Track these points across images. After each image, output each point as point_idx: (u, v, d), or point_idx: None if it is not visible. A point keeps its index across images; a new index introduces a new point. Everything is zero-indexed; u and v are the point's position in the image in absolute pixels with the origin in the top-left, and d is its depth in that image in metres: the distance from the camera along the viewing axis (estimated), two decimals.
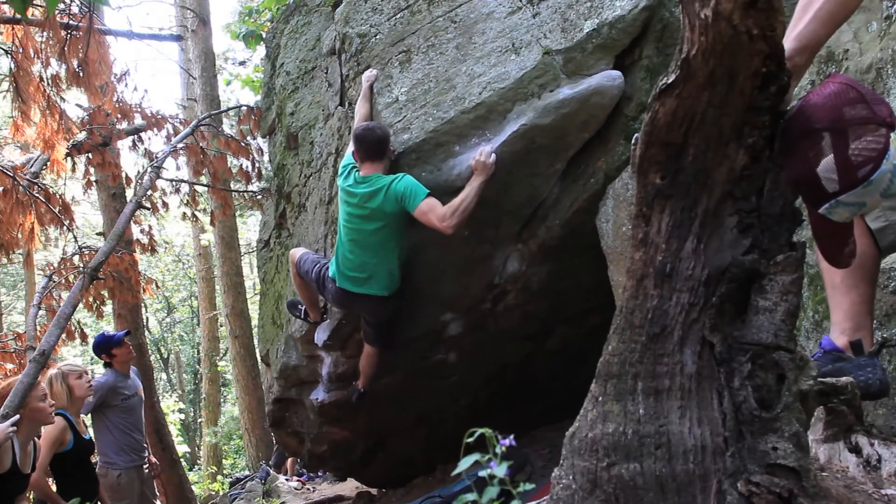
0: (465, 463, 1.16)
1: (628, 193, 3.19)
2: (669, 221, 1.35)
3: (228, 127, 10.04)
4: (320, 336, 4.27)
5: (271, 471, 8.04)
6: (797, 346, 1.34)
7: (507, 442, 1.19)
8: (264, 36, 7.83)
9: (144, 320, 11.89)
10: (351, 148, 3.58)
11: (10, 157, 7.31)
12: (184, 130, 6.58)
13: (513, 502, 1.18)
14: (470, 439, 1.17)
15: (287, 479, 7.80)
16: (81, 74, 5.51)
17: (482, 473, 1.17)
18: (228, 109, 9.54)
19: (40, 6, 5.44)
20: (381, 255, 3.51)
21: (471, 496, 1.20)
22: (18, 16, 4.74)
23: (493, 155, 3.25)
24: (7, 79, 5.54)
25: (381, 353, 4.02)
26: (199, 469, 14.46)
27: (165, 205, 6.94)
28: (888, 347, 1.86)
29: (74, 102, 7.48)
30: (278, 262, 5.25)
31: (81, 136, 6.52)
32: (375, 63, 3.71)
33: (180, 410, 17.45)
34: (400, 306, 3.76)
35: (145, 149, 7.19)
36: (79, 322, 6.38)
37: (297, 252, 4.09)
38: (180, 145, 6.47)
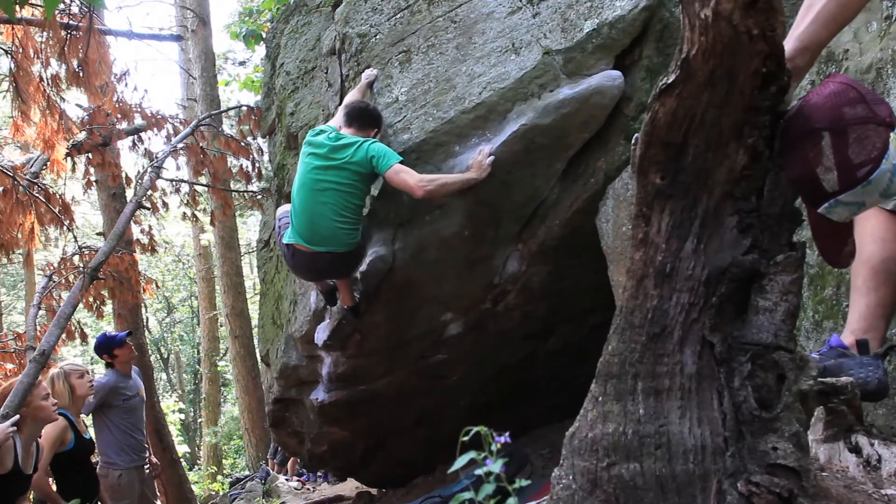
0: (461, 461, 1.17)
1: (628, 193, 3.19)
2: (669, 221, 1.35)
3: (228, 127, 10.05)
4: (320, 336, 4.27)
5: (271, 471, 8.05)
6: (797, 346, 1.34)
7: (502, 439, 1.19)
8: (264, 36, 7.83)
9: (144, 320, 11.89)
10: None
11: (10, 157, 7.31)
12: (184, 130, 6.58)
13: (509, 499, 1.18)
14: (466, 437, 1.18)
15: (287, 479, 7.80)
16: (81, 74, 5.51)
17: (479, 472, 1.17)
18: (228, 109, 9.55)
19: (39, 6, 5.45)
20: (337, 210, 3.35)
21: (468, 494, 1.20)
22: (17, 15, 4.75)
23: (492, 157, 3.25)
24: (7, 79, 5.54)
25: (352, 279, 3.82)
26: (199, 469, 14.46)
27: (165, 205, 6.96)
28: (893, 352, 1.86)
29: (74, 102, 7.49)
30: (278, 262, 5.25)
31: (81, 136, 6.53)
32: (375, 63, 3.71)
33: (180, 410, 17.46)
34: (360, 252, 3.59)
35: (145, 149, 7.20)
36: (79, 322, 6.39)
37: (278, 211, 3.97)
38: (180, 145, 6.48)
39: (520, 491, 1.19)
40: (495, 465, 1.15)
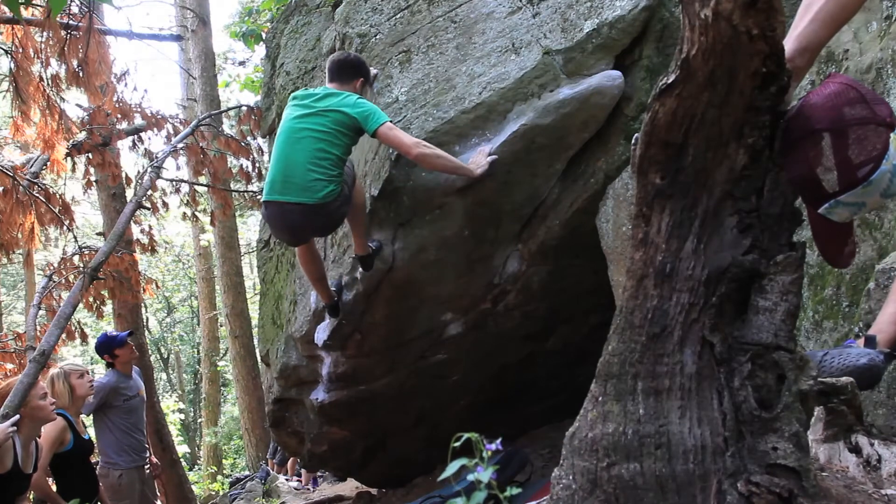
0: (451, 468, 1.16)
1: (628, 193, 3.19)
2: (669, 221, 1.35)
3: (228, 127, 10.06)
4: (320, 336, 4.27)
5: (271, 470, 8.05)
6: (797, 346, 1.34)
7: (493, 446, 1.19)
8: (264, 36, 7.83)
9: (144, 320, 11.89)
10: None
11: (10, 157, 7.31)
12: (184, 130, 6.59)
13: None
14: (457, 444, 1.17)
15: (287, 479, 7.81)
16: (81, 74, 5.51)
17: (470, 478, 1.17)
18: (228, 109, 9.56)
19: (40, 6, 5.45)
20: (312, 157, 3.16)
21: (460, 500, 1.20)
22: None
23: (493, 157, 3.23)
24: (7, 79, 5.54)
25: (354, 197, 3.46)
26: (199, 469, 14.46)
27: (165, 205, 6.96)
28: None
29: (74, 102, 7.49)
30: (278, 262, 5.25)
31: (81, 136, 6.53)
32: (375, 63, 3.71)
33: (180, 410, 17.46)
34: (337, 211, 3.30)
35: (145, 149, 7.21)
36: (79, 322, 6.39)
37: None
38: (180, 145, 6.48)
39: (510, 497, 1.19)
40: (485, 474, 1.15)
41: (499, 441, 1.20)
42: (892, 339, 1.81)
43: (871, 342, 1.80)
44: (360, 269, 3.69)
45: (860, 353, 1.75)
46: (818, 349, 2.05)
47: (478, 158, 3.23)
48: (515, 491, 1.20)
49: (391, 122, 3.18)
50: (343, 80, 3.35)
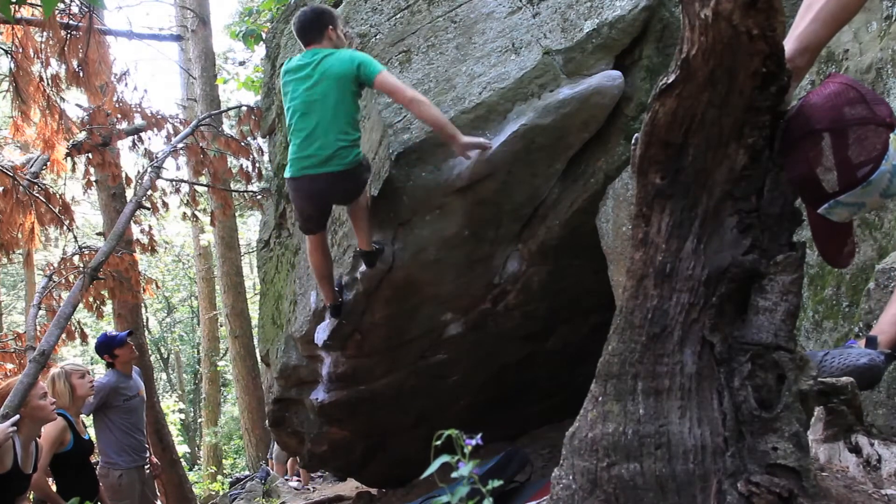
0: (434, 465, 1.18)
1: (628, 193, 3.19)
2: (669, 221, 1.35)
3: (228, 127, 10.06)
4: (320, 336, 4.27)
5: (271, 471, 8.05)
6: (797, 346, 1.34)
7: (473, 441, 1.21)
8: (264, 36, 7.83)
9: (144, 320, 11.89)
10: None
11: (10, 157, 7.31)
12: (184, 130, 6.58)
13: (485, 501, 1.19)
14: (438, 442, 1.19)
15: (287, 479, 7.81)
16: (81, 74, 5.51)
17: (454, 475, 1.18)
18: (228, 109, 9.56)
19: (39, 6, 5.44)
20: (335, 123, 3.24)
21: (444, 497, 1.21)
22: (17, 15, 4.75)
23: (488, 152, 3.23)
24: (7, 79, 5.54)
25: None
26: (199, 469, 14.46)
27: (165, 205, 6.95)
28: None
29: (74, 102, 7.49)
30: (278, 262, 5.25)
31: (81, 136, 6.53)
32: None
33: (180, 410, 17.46)
34: (365, 175, 3.41)
35: (145, 149, 7.20)
36: (79, 322, 6.39)
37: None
38: (180, 145, 6.48)
39: (521, 490, 1.20)
40: (465, 469, 1.17)
41: (479, 437, 1.22)
42: (894, 341, 1.81)
43: (871, 343, 1.80)
44: (361, 268, 3.69)
45: (860, 353, 1.76)
46: (818, 349, 2.05)
47: (475, 140, 3.22)
48: (497, 483, 1.22)
49: (385, 69, 3.26)
50: (317, 39, 3.37)
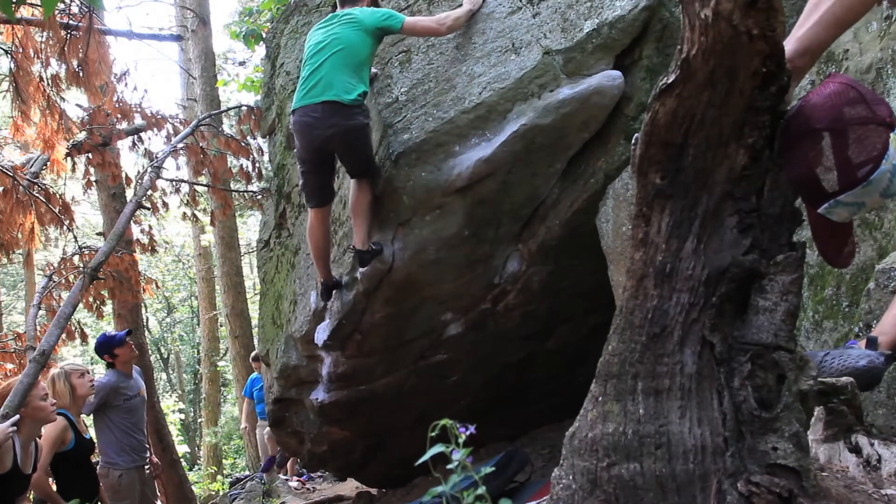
0: (429, 454, 1.20)
1: (628, 193, 3.19)
2: (669, 221, 1.35)
3: (228, 127, 10.06)
4: (320, 336, 4.27)
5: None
6: (797, 346, 1.34)
7: (466, 430, 1.22)
8: (264, 36, 7.84)
9: (144, 320, 11.89)
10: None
11: (10, 157, 7.31)
12: (184, 130, 6.58)
13: (478, 489, 1.20)
14: (434, 433, 1.21)
15: (287, 479, 7.80)
16: (81, 74, 5.51)
17: (450, 467, 1.20)
18: (228, 109, 9.55)
19: (39, 6, 5.45)
20: (341, 59, 3.35)
21: (439, 488, 1.22)
22: (17, 15, 4.75)
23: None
24: (7, 79, 5.54)
25: (371, 184, 3.53)
26: (199, 469, 14.45)
27: (165, 205, 6.95)
28: None
29: (74, 102, 7.49)
30: (278, 262, 5.25)
31: (81, 136, 6.53)
32: (375, 63, 3.71)
33: (180, 410, 17.46)
34: (365, 125, 3.40)
35: (145, 149, 7.20)
36: (79, 322, 6.38)
37: None
38: (180, 145, 6.48)
39: (521, 490, 1.20)
40: (461, 454, 1.18)
41: (472, 427, 1.23)
42: (894, 342, 1.81)
43: (872, 344, 1.80)
44: (361, 269, 3.69)
45: (860, 354, 1.76)
46: (818, 349, 2.05)
47: None
48: (489, 469, 1.23)
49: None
50: (354, 2, 3.58)
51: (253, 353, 8.43)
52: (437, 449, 1.21)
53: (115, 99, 6.53)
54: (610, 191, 3.33)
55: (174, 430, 12.69)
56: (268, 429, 6.80)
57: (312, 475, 8.03)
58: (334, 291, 3.92)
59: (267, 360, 5.46)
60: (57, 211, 5.59)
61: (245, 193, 7.49)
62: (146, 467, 4.80)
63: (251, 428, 8.52)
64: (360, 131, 3.38)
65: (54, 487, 3.94)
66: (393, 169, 3.40)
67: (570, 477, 1.40)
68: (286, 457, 8.01)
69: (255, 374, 8.06)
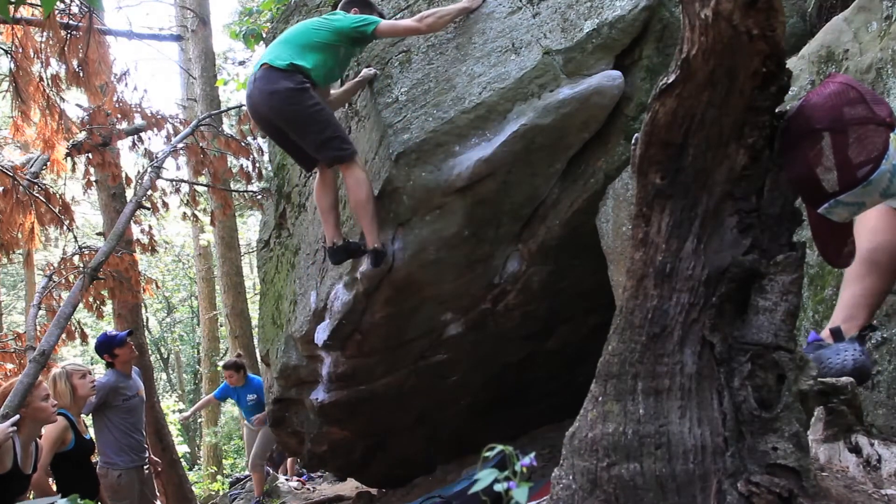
0: (484, 480, 1.12)
1: (628, 193, 3.19)
2: (669, 221, 1.35)
3: (228, 127, 10.06)
4: (320, 336, 4.27)
5: (271, 471, 8.04)
6: (797, 346, 1.34)
7: (528, 462, 1.15)
8: (264, 36, 7.83)
9: (144, 320, 11.88)
10: None
11: (10, 157, 7.31)
12: (184, 130, 6.58)
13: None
14: (489, 453, 1.14)
15: (287, 479, 7.80)
16: (81, 74, 5.51)
17: (497, 487, 1.13)
18: (228, 109, 9.56)
19: (39, 6, 5.45)
20: (283, 38, 3.43)
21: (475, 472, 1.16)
22: (16, 16, 4.75)
23: None
24: (7, 79, 5.54)
25: (357, 169, 3.41)
26: (199, 469, 14.45)
27: (165, 205, 6.95)
28: (869, 333, 1.85)
29: (74, 102, 7.49)
30: (278, 262, 5.25)
31: (81, 136, 6.53)
32: (375, 63, 3.71)
33: (180, 410, 17.45)
34: (293, 88, 3.28)
35: (145, 149, 7.20)
36: (79, 322, 6.39)
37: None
38: (180, 145, 6.48)
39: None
40: (521, 492, 1.11)
41: (532, 456, 1.17)
42: (864, 324, 1.81)
43: (837, 335, 1.78)
44: (361, 268, 3.68)
45: (841, 354, 1.73)
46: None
47: None
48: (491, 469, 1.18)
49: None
50: (347, 7, 3.58)
51: (224, 361, 8.13)
52: (491, 476, 1.12)
53: (115, 99, 6.53)
54: (610, 191, 3.33)
55: (174, 430, 12.68)
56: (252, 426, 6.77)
57: (312, 475, 8.02)
58: (338, 290, 3.88)
59: (267, 360, 5.45)
60: (57, 211, 5.59)
61: (245, 193, 7.48)
62: (145, 467, 4.81)
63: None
64: (288, 95, 3.27)
65: (54, 488, 3.93)
66: (393, 169, 3.40)
67: (570, 477, 1.40)
68: (284, 456, 8.02)
69: (224, 384, 7.20)
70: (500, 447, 1.15)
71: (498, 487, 1.12)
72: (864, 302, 1.81)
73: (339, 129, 3.46)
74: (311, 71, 3.35)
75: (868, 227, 1.81)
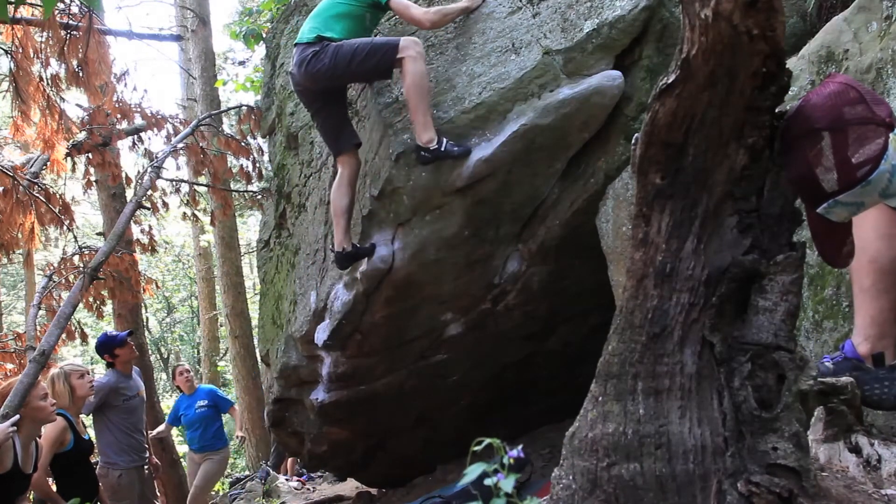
0: (471, 474, 1.13)
1: (628, 193, 3.19)
2: (669, 221, 1.35)
3: (228, 127, 10.06)
4: (320, 336, 4.27)
5: (271, 471, 8.04)
6: (797, 346, 1.34)
7: (514, 454, 1.16)
8: (264, 36, 7.83)
9: (144, 320, 11.88)
10: None
11: (10, 157, 7.30)
12: (184, 130, 6.58)
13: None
14: (478, 448, 1.15)
15: (287, 479, 7.80)
16: (81, 74, 5.51)
17: (487, 482, 1.14)
18: (228, 109, 9.55)
19: (39, 6, 5.45)
20: (325, 7, 3.47)
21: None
22: (16, 16, 4.75)
23: None
24: (7, 79, 5.54)
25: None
26: None
27: (165, 205, 6.95)
28: None
29: (74, 102, 7.48)
30: (278, 262, 5.25)
31: (81, 136, 6.52)
32: None
33: None
34: (326, 49, 3.36)
35: (145, 149, 7.20)
36: (79, 322, 6.38)
37: None
38: (180, 145, 6.48)
39: (520, 489, 1.17)
40: (507, 483, 1.12)
41: (520, 448, 1.18)
42: (889, 343, 1.78)
43: (879, 360, 1.74)
44: (361, 268, 3.68)
45: (885, 384, 1.70)
46: (826, 353, 2.02)
47: None
48: (535, 502, 1.18)
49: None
50: None
51: (173, 366, 7.82)
52: (479, 469, 1.12)
53: (115, 99, 6.53)
54: (610, 191, 3.33)
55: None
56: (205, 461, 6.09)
57: (312, 475, 8.03)
58: (337, 290, 3.89)
59: (267, 360, 5.46)
60: (57, 211, 5.59)
61: (245, 193, 7.48)
62: (145, 467, 4.81)
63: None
64: (313, 59, 3.38)
65: (54, 488, 3.94)
66: (393, 169, 3.40)
67: (570, 477, 1.40)
68: (284, 456, 8.02)
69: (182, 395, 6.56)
70: (487, 440, 1.15)
71: (488, 482, 1.13)
72: (893, 317, 1.76)
73: (372, 41, 3.44)
74: (329, 34, 3.42)
75: (883, 233, 1.74)
